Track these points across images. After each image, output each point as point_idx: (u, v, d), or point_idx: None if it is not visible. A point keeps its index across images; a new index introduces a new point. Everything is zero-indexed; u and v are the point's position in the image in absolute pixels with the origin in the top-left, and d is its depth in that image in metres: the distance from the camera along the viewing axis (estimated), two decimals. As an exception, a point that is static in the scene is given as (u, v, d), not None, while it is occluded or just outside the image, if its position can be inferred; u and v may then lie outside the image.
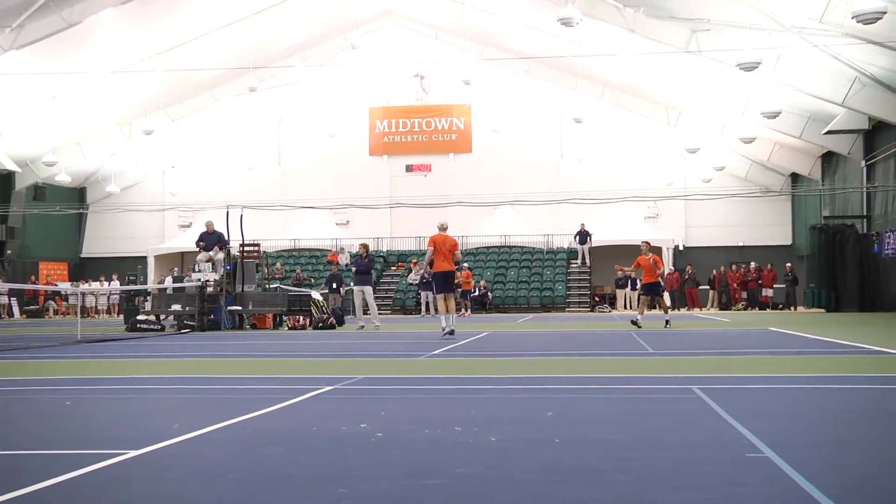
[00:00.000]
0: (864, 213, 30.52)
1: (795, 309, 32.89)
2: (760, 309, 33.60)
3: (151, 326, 20.66)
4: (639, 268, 19.75)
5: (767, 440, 4.71)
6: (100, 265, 41.62)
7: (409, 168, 41.99)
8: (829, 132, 29.38)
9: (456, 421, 5.53)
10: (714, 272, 35.67)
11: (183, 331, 20.22)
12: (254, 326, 21.68)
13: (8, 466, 4.43)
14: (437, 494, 3.68)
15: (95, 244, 43.41)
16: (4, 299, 35.85)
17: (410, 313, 33.61)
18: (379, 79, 41.18)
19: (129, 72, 32.02)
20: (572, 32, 28.59)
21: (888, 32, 21.06)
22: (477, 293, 34.35)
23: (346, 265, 32.52)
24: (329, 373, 9.28)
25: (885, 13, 18.39)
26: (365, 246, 21.37)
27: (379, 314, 22.46)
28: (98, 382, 8.67)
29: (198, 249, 22.13)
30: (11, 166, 36.24)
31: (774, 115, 28.75)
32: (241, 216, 22.55)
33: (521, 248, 39.36)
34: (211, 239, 21.93)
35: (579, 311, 34.18)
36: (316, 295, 23.05)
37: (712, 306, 35.26)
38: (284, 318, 22.02)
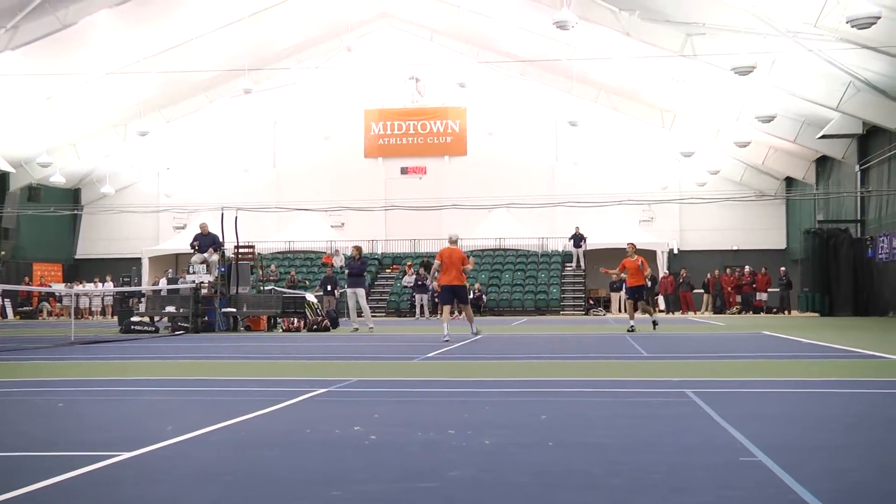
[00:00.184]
0: (858, 218, 30.59)
1: (789, 313, 32.95)
2: (755, 313, 33.64)
3: (145, 328, 20.64)
4: (624, 270, 19.33)
5: (761, 444, 4.72)
6: (94, 266, 41.48)
7: (404, 170, 41.97)
8: (823, 136, 29.42)
9: (450, 424, 5.53)
10: (708, 276, 35.67)
11: (177, 332, 20.18)
12: (248, 328, 21.68)
13: (1, 468, 4.41)
14: (431, 497, 3.68)
15: (90, 245, 43.32)
16: (-2, 300, 35.82)
17: (405, 316, 33.60)
18: (374, 81, 41.15)
19: (125, 73, 31.95)
20: (567, 36, 28.63)
21: (882, 37, 21.10)
22: (471, 296, 34.30)
23: (341, 268, 32.51)
24: (323, 375, 9.26)
25: (879, 18, 18.43)
26: (358, 248, 21.36)
27: (373, 316, 22.47)
28: (92, 384, 8.66)
29: (192, 251, 22.10)
30: (6, 167, 36.18)
31: (769, 120, 28.79)
32: (236, 218, 22.55)
33: (516, 250, 39.35)
34: (205, 241, 21.90)
35: (574, 315, 34.15)
36: (310, 297, 23.06)
37: (706, 310, 35.28)
38: (279, 320, 22.03)
